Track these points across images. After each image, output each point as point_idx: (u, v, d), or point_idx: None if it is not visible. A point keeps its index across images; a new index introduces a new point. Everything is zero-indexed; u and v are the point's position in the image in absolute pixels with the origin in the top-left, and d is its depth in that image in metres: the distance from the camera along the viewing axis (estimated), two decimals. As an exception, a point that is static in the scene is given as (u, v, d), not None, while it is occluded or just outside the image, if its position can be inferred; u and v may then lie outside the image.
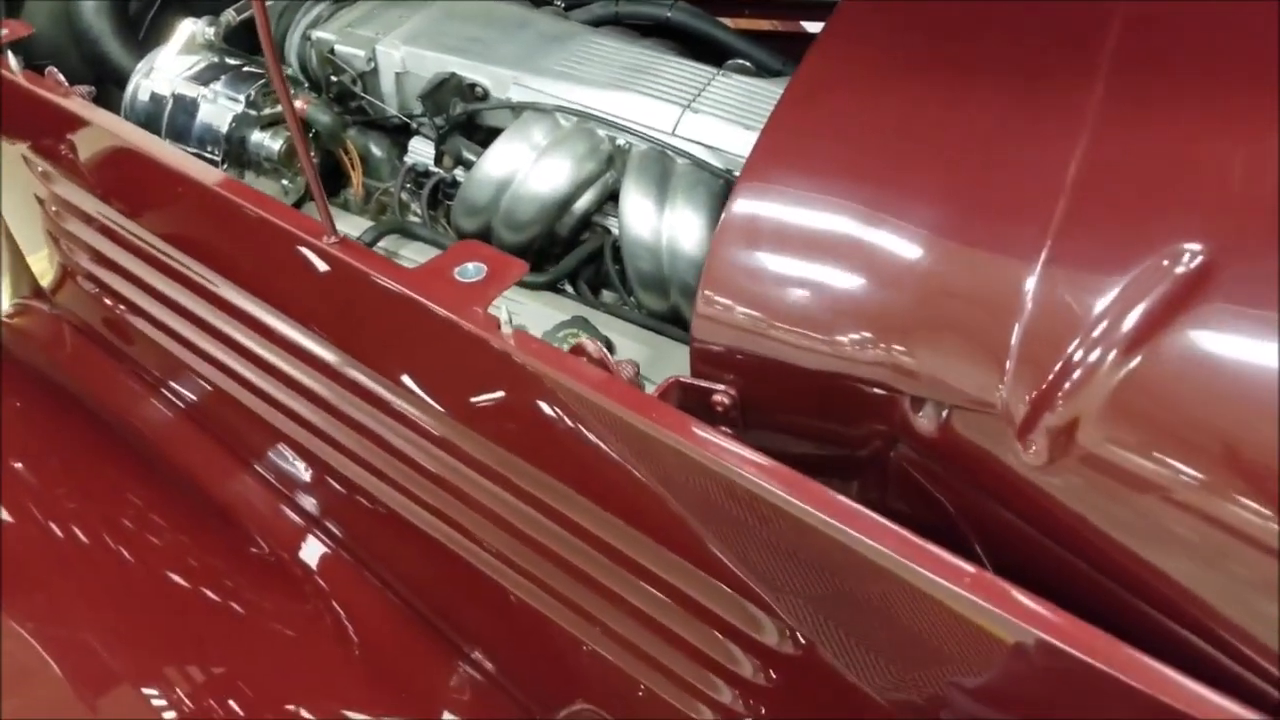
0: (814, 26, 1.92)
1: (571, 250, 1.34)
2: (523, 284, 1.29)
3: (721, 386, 0.86)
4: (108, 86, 1.47)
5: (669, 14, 1.70)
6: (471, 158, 1.36)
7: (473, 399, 0.95)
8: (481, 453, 0.97)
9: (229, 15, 1.35)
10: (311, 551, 1.31)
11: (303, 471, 1.31)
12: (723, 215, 0.85)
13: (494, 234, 1.33)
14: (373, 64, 1.41)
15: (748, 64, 1.50)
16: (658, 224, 1.24)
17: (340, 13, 1.49)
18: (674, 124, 1.27)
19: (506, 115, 1.36)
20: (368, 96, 1.42)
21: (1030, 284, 0.68)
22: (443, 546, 1.11)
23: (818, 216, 0.81)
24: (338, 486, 1.24)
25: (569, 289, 1.34)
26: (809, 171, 0.83)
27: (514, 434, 0.94)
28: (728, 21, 1.76)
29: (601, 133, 1.29)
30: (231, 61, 1.32)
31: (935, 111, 0.82)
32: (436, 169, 1.39)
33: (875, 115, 0.86)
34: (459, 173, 1.39)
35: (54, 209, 1.41)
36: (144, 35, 1.49)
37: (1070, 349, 0.66)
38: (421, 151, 1.41)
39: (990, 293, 0.71)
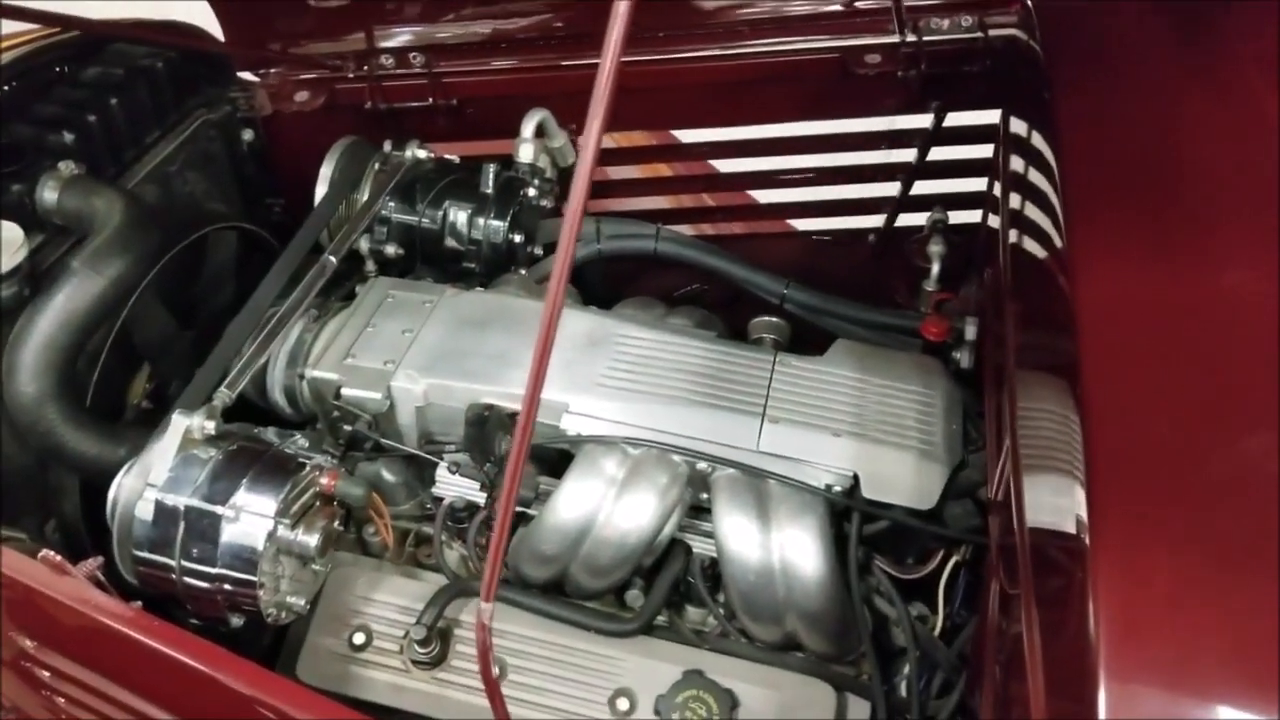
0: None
1: (652, 577, 1.23)
2: (609, 633, 1.18)
3: None
4: (59, 475, 1.22)
5: (655, 246, 1.63)
6: (529, 494, 1.22)
7: None
8: None
9: (224, 396, 1.12)
10: None
11: None
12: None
13: (571, 580, 1.21)
14: (389, 402, 1.24)
15: (777, 320, 1.45)
16: (767, 548, 1.16)
17: (326, 333, 1.30)
18: (756, 439, 1.19)
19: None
20: (387, 441, 1.25)
21: None
22: None
23: None
24: None
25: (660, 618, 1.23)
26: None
27: None
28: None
29: (676, 456, 1.19)
30: (240, 450, 1.09)
31: None
32: (483, 506, 1.24)
33: None
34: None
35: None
36: (91, 398, 1.23)
37: None
38: (451, 483, 1.27)
39: None
